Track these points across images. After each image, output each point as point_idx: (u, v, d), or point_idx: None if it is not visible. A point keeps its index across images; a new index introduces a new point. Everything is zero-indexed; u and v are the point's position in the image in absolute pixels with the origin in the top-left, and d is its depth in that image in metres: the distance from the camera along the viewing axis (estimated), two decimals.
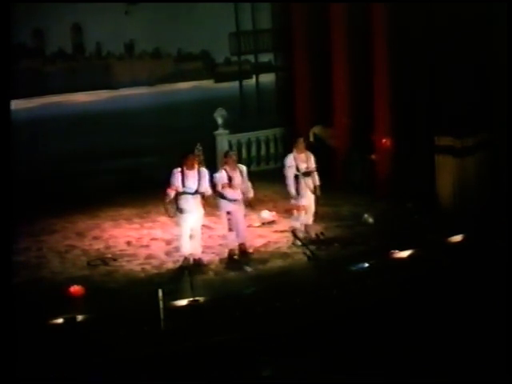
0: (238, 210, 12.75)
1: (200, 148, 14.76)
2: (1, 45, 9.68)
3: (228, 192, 12.56)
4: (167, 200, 12.34)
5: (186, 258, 12.53)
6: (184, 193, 12.26)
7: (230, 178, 12.57)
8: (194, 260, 12.60)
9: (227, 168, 12.66)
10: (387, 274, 11.72)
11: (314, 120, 17.34)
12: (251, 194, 12.85)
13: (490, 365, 9.15)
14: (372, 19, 15.52)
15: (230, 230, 12.75)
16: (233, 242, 12.83)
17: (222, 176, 12.59)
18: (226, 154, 13.24)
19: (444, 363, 9.29)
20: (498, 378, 8.99)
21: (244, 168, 12.92)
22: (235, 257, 12.79)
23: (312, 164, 13.29)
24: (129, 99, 19.09)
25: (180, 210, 12.33)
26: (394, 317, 10.33)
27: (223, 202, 12.61)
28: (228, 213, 12.66)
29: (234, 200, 12.62)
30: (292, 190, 13.18)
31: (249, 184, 12.82)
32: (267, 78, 20.13)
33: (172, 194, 12.26)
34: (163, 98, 19.37)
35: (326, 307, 10.89)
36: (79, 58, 19.16)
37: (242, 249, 12.90)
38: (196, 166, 12.42)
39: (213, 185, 12.59)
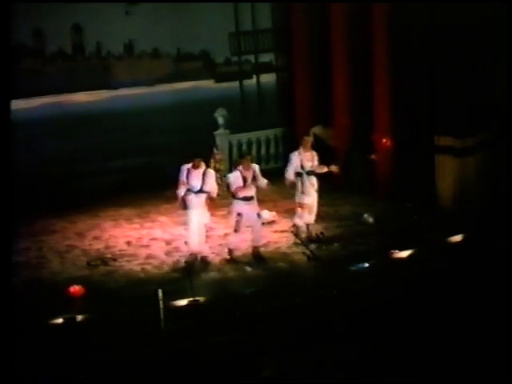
0: (253, 209, 12.65)
1: (218, 145, 16.28)
2: (1, 45, 9.68)
3: (242, 193, 12.50)
4: (178, 194, 12.46)
5: (191, 254, 12.56)
6: (189, 190, 12.37)
7: (244, 179, 12.51)
8: (202, 258, 12.67)
9: (241, 169, 12.59)
10: (387, 274, 11.72)
11: (314, 120, 17.33)
12: (264, 185, 12.74)
13: (490, 365, 9.15)
14: (372, 19, 15.52)
15: (236, 231, 12.68)
16: (234, 243, 12.79)
17: (236, 177, 12.53)
18: (242, 157, 13.35)
19: (444, 363, 9.29)
20: (498, 377, 9.00)
21: (257, 167, 12.85)
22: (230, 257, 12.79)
23: (315, 163, 13.32)
24: (129, 99, 19.08)
25: (186, 206, 12.43)
26: (394, 317, 10.33)
27: (236, 203, 12.58)
28: (238, 214, 12.58)
29: (248, 199, 12.56)
30: (289, 180, 13.18)
31: (264, 181, 12.73)
32: (268, 78, 20.11)
33: (182, 189, 12.37)
34: (163, 98, 19.36)
35: (326, 307, 10.89)
36: (79, 58, 19.17)
37: (255, 251, 12.76)
38: (202, 166, 12.49)
39: (227, 185, 12.69)
